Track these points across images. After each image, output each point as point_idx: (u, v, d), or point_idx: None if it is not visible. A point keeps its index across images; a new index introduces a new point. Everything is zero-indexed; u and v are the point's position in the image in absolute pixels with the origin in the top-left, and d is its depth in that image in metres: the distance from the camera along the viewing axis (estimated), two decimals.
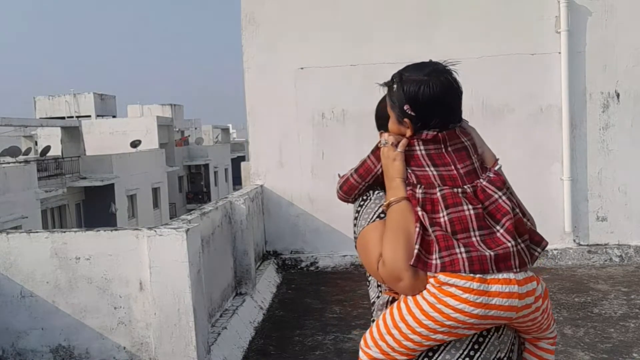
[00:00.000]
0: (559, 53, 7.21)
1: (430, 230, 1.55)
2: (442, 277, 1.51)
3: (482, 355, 1.61)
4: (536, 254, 1.62)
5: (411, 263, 1.53)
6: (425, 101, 1.62)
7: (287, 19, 7.54)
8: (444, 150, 1.64)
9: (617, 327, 5.04)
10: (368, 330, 1.68)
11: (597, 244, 7.39)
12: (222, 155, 43.98)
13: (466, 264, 1.50)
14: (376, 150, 1.71)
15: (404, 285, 1.56)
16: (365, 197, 1.75)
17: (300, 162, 7.59)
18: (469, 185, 1.61)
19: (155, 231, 3.89)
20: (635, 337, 4.82)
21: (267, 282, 6.71)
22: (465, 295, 1.49)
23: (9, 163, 23.91)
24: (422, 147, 1.64)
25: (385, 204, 1.64)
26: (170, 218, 22.61)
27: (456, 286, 1.50)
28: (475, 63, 7.02)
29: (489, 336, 1.62)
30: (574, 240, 7.39)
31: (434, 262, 1.52)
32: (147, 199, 30.08)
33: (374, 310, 1.77)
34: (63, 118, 36.41)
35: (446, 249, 1.52)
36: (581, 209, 7.39)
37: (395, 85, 1.66)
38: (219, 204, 5.66)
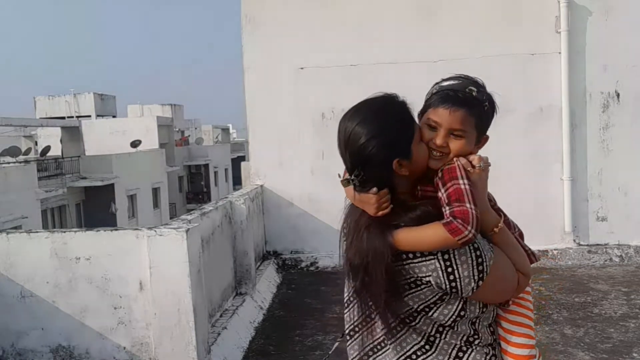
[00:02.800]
0: (559, 53, 7.21)
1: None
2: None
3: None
4: None
5: (537, 260, 1.75)
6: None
7: (287, 19, 7.54)
8: None
9: (617, 327, 5.04)
10: (517, 346, 1.64)
11: (597, 244, 7.39)
12: (222, 155, 43.99)
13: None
14: (468, 176, 1.55)
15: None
16: None
17: (300, 162, 7.58)
18: None
19: (155, 231, 3.89)
20: (635, 337, 4.82)
21: (267, 282, 6.71)
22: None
23: (9, 163, 23.93)
24: None
25: (499, 226, 1.59)
26: (170, 218, 22.57)
27: None
28: (475, 63, 7.01)
29: None
30: (574, 240, 7.39)
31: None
32: (147, 199, 30.07)
33: (446, 335, 1.59)
34: (63, 118, 36.44)
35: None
36: (581, 209, 7.38)
37: (488, 104, 1.63)
38: (219, 204, 5.66)
